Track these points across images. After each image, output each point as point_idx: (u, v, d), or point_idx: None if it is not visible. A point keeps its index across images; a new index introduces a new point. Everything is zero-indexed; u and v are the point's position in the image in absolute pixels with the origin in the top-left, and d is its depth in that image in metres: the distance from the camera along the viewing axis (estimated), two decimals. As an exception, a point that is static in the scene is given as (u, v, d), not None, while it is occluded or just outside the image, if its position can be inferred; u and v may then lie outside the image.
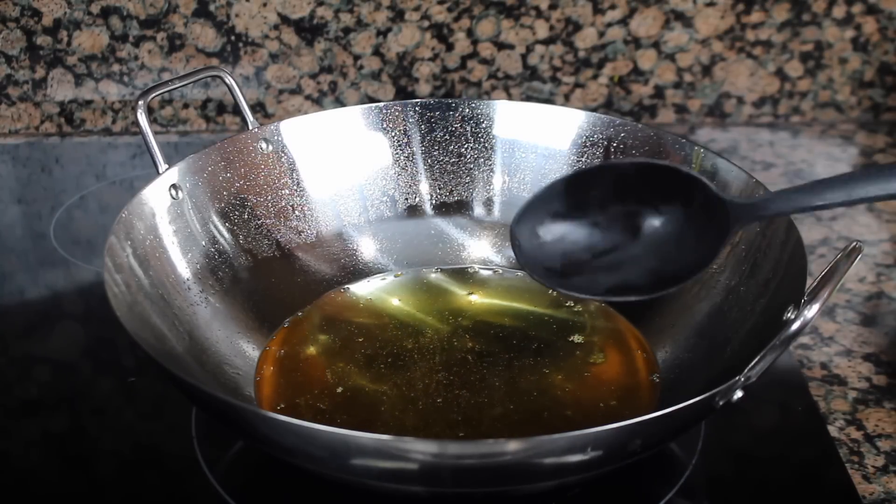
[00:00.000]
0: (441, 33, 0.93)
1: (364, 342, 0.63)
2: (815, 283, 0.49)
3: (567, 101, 0.96)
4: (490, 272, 0.70)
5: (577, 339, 0.63)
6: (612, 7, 0.92)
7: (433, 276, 0.70)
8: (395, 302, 0.67)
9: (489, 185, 0.73)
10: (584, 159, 0.70)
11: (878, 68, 0.96)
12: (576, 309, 0.66)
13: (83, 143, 0.95)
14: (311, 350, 0.62)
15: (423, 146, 0.73)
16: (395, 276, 0.70)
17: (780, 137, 0.95)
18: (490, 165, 0.73)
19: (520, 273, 0.70)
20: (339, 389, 0.58)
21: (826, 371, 0.64)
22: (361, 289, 0.69)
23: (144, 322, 0.54)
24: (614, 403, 0.57)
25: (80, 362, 0.66)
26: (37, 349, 0.67)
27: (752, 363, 0.46)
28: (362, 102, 0.93)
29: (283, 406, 0.57)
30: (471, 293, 0.68)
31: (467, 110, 0.72)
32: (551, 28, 0.93)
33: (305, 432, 0.44)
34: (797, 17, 0.93)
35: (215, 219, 0.65)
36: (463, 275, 0.70)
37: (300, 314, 0.65)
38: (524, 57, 0.94)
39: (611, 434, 0.44)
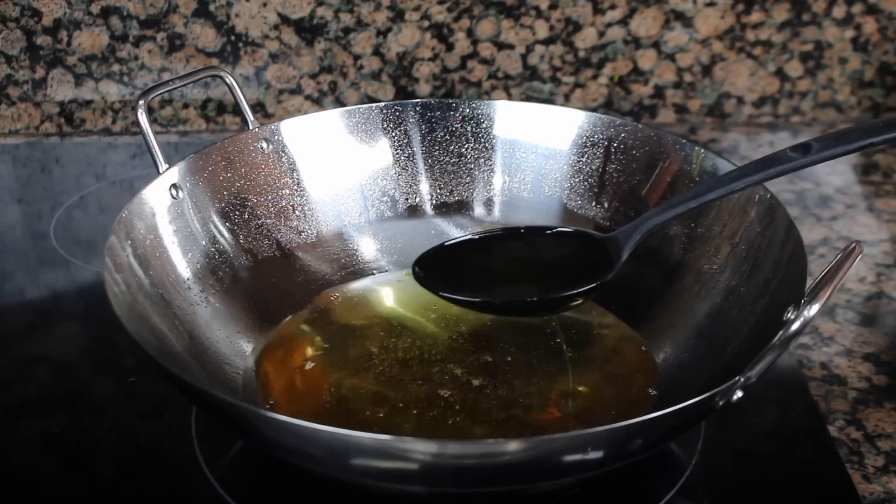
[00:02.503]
0: (441, 33, 0.93)
1: (363, 343, 0.62)
2: (815, 283, 0.49)
3: (567, 101, 0.96)
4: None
5: (575, 340, 0.63)
6: (612, 7, 0.92)
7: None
8: (395, 302, 0.67)
9: (489, 186, 0.73)
10: (584, 159, 0.70)
11: (878, 68, 0.96)
12: (573, 311, 0.66)
13: (83, 143, 0.95)
14: (310, 351, 0.62)
15: (423, 146, 0.73)
16: (395, 283, 0.70)
17: (780, 137, 0.95)
18: (490, 165, 0.73)
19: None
20: (339, 390, 0.58)
21: (826, 371, 0.64)
22: (360, 289, 0.68)
23: (144, 322, 0.54)
24: (614, 404, 0.57)
25: (80, 362, 0.66)
26: (37, 349, 0.67)
27: (752, 363, 0.46)
28: (362, 102, 0.93)
29: (274, 403, 0.57)
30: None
31: (467, 110, 0.72)
32: (551, 28, 0.93)
33: (305, 432, 0.44)
34: (797, 17, 0.93)
35: (215, 219, 0.65)
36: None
37: (299, 314, 0.65)
38: (524, 57, 0.94)
39: (611, 434, 0.44)
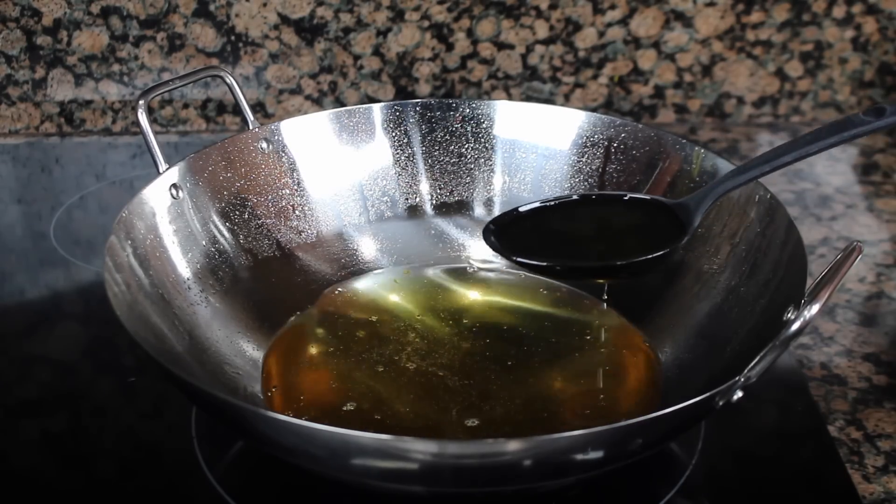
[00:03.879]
0: (441, 33, 0.93)
1: (365, 342, 0.63)
2: (815, 283, 0.49)
3: (567, 101, 0.96)
4: (490, 272, 0.70)
5: (577, 338, 0.63)
6: (612, 7, 0.92)
7: (434, 275, 0.70)
8: (396, 301, 0.67)
9: (489, 185, 0.73)
10: (584, 159, 0.70)
11: (878, 68, 0.96)
12: (576, 309, 0.66)
13: (83, 143, 0.95)
14: (313, 350, 0.62)
15: (423, 146, 0.73)
16: (395, 282, 0.70)
17: (780, 137, 0.95)
18: (490, 165, 0.73)
19: (521, 273, 0.70)
20: (341, 390, 0.58)
21: (826, 371, 0.64)
22: (362, 289, 0.69)
23: (144, 322, 0.54)
24: (614, 403, 0.57)
25: (80, 362, 0.66)
26: (37, 349, 0.67)
27: (752, 363, 0.46)
28: (362, 102, 0.93)
29: (281, 397, 0.57)
30: (471, 293, 0.68)
31: (467, 110, 0.72)
32: (551, 28, 0.93)
33: (305, 432, 0.44)
34: (797, 17, 0.93)
35: (215, 219, 0.65)
36: (463, 274, 0.70)
37: (302, 314, 0.65)
38: (524, 57, 0.94)
39: (611, 434, 0.44)
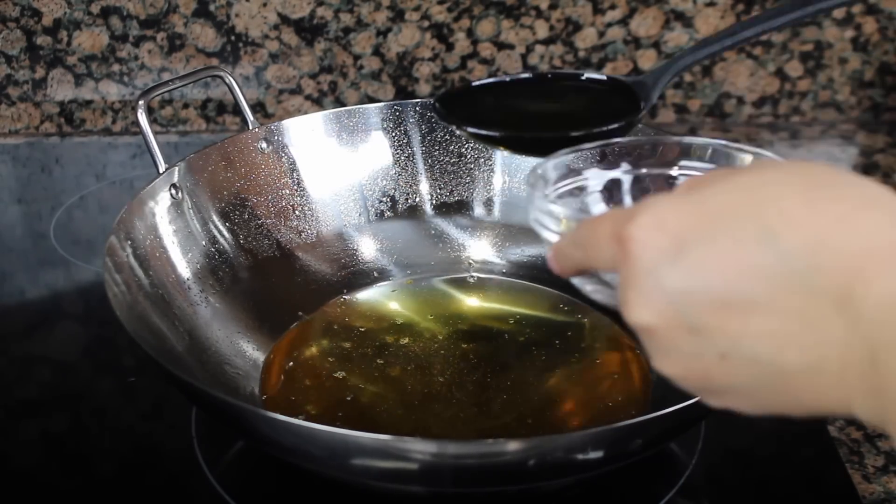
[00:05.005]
0: (441, 33, 0.93)
1: (366, 347, 0.63)
2: None
3: (567, 101, 0.96)
4: (490, 275, 0.70)
5: (575, 341, 0.63)
6: (612, 7, 0.92)
7: (433, 280, 0.70)
8: (395, 306, 0.67)
9: (489, 185, 0.73)
10: (584, 159, 0.70)
11: (878, 68, 0.96)
12: (573, 313, 0.66)
13: (83, 143, 0.95)
14: (313, 353, 0.62)
15: (423, 146, 0.73)
16: (393, 291, 0.70)
17: (780, 137, 0.95)
18: (490, 165, 0.73)
19: (518, 279, 0.70)
20: (342, 392, 0.58)
21: (826, 371, 0.64)
22: (362, 293, 0.68)
23: (144, 322, 0.54)
24: (614, 404, 0.57)
25: (80, 362, 0.66)
26: (37, 349, 0.67)
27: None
28: (362, 102, 0.93)
29: (289, 407, 0.57)
30: (470, 297, 0.68)
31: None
32: (551, 28, 0.93)
33: (305, 432, 0.44)
34: (797, 17, 0.93)
35: (215, 219, 0.65)
36: (462, 281, 0.70)
37: (303, 319, 0.65)
38: (524, 57, 0.94)
39: (611, 434, 0.44)
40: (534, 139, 0.57)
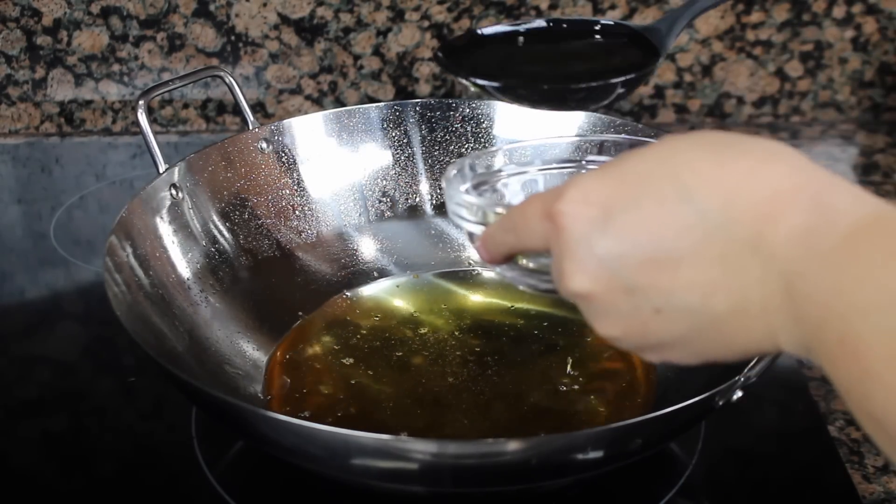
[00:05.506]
0: (441, 33, 0.93)
1: (367, 344, 0.63)
2: None
3: (567, 101, 0.96)
4: (490, 272, 0.70)
5: (577, 337, 0.63)
6: (612, 7, 0.92)
7: (434, 277, 0.70)
8: (397, 303, 0.67)
9: (489, 185, 0.73)
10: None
11: (878, 68, 0.96)
12: (576, 309, 0.66)
13: (83, 143, 0.95)
14: (315, 352, 0.62)
15: (423, 146, 0.73)
16: (397, 286, 0.70)
17: (780, 137, 0.95)
18: (490, 165, 0.72)
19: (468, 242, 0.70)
20: (342, 391, 0.58)
21: (826, 371, 0.64)
22: (364, 291, 0.68)
23: (144, 322, 0.54)
24: (614, 403, 0.57)
25: (80, 362, 0.66)
26: (37, 349, 0.67)
27: (752, 363, 0.46)
28: (362, 102, 0.93)
29: (289, 407, 0.57)
30: (472, 293, 0.68)
31: (467, 110, 0.72)
32: (551, 28, 0.93)
33: (305, 432, 0.44)
34: (797, 17, 0.93)
35: (215, 219, 0.65)
36: (464, 275, 0.70)
37: (304, 318, 0.65)
38: (524, 57, 0.94)
39: (611, 434, 0.44)
40: (542, 90, 0.56)
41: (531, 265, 0.43)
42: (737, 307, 0.33)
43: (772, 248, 0.32)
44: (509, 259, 0.42)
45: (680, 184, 0.34)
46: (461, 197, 0.44)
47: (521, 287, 0.44)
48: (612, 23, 0.59)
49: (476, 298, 0.68)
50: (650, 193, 0.34)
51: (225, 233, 0.65)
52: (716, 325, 0.34)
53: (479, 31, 0.59)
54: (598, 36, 0.59)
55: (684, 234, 0.33)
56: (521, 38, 0.59)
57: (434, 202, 0.73)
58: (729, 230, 0.33)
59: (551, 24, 0.60)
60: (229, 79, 0.67)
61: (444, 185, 0.46)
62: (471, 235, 0.45)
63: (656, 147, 0.36)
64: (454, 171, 0.47)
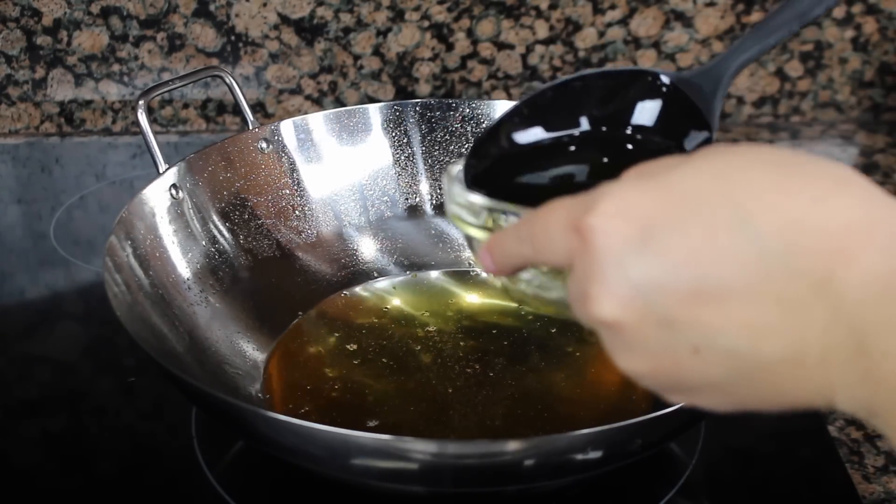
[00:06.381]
0: (441, 33, 0.93)
1: (366, 343, 0.63)
2: None
3: (567, 101, 0.96)
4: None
5: (576, 337, 0.63)
6: (612, 7, 0.92)
7: (434, 276, 0.70)
8: (396, 303, 0.67)
9: (489, 185, 0.73)
10: (584, 159, 0.70)
11: (878, 68, 0.96)
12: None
13: (83, 143, 0.95)
14: (314, 351, 0.62)
15: (423, 146, 0.73)
16: (394, 288, 0.70)
17: (780, 137, 0.95)
18: (490, 165, 0.72)
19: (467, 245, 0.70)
20: (342, 391, 0.58)
21: (826, 371, 0.64)
22: (363, 291, 0.69)
23: (144, 322, 0.54)
24: (614, 403, 0.57)
25: (80, 362, 0.66)
26: (37, 349, 0.67)
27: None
28: (362, 102, 0.93)
29: (290, 406, 0.57)
30: (471, 294, 0.68)
31: (467, 110, 0.72)
32: (551, 28, 0.93)
33: (305, 432, 0.44)
34: (797, 17, 0.93)
35: (215, 219, 0.65)
36: (463, 275, 0.70)
37: (303, 317, 0.65)
38: (524, 57, 0.94)
39: (611, 434, 0.44)
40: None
41: (539, 278, 0.38)
42: (791, 355, 0.29)
43: (842, 292, 0.28)
44: (518, 271, 0.37)
45: (736, 207, 0.29)
46: (464, 196, 0.40)
47: (519, 300, 0.39)
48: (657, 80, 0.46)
49: (475, 299, 0.68)
50: (700, 214, 0.30)
51: (225, 233, 0.65)
52: (762, 372, 0.30)
53: (513, 141, 0.46)
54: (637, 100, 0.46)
55: (737, 265, 0.29)
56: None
57: (434, 202, 0.73)
58: (791, 265, 0.28)
59: (592, 122, 0.46)
60: (229, 79, 0.67)
61: (444, 182, 0.42)
62: (471, 240, 0.40)
63: (708, 159, 0.31)
64: (458, 168, 0.43)
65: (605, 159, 0.45)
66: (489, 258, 0.38)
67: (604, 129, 0.45)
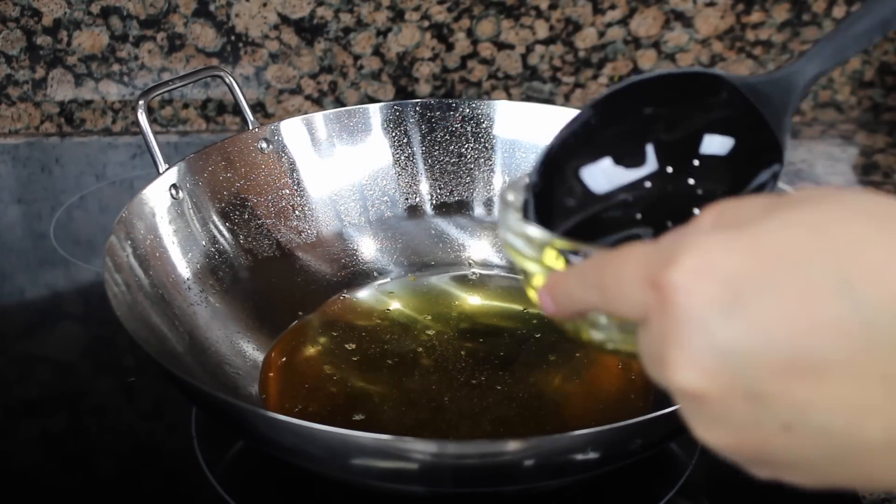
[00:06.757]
0: (441, 33, 0.93)
1: (366, 345, 0.63)
2: None
3: (567, 101, 0.96)
4: (490, 273, 0.70)
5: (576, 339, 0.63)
6: (612, 7, 0.92)
7: (434, 277, 0.70)
8: (395, 305, 0.67)
9: (489, 185, 0.73)
10: (584, 159, 0.70)
11: (878, 68, 0.96)
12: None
13: (83, 143, 0.95)
14: (313, 352, 0.62)
15: (423, 146, 0.73)
16: (396, 286, 0.70)
17: (780, 137, 0.95)
18: (490, 165, 0.73)
19: (518, 275, 0.70)
20: (342, 392, 0.58)
21: (826, 371, 0.64)
22: (363, 292, 0.69)
23: (144, 322, 0.54)
24: (614, 403, 0.57)
25: (80, 362, 0.66)
26: (37, 349, 0.67)
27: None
28: (362, 102, 0.93)
29: (290, 406, 0.57)
30: (470, 295, 0.68)
31: (467, 110, 0.72)
32: (551, 28, 0.93)
33: (305, 432, 0.44)
34: (797, 17, 0.93)
35: (215, 219, 0.65)
36: (462, 277, 0.70)
37: (302, 318, 0.65)
38: (524, 57, 0.94)
39: (611, 434, 0.44)
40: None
41: (603, 320, 0.34)
42: (894, 439, 0.26)
43: None
44: (580, 316, 0.34)
45: (838, 269, 0.26)
46: (521, 227, 0.36)
47: (574, 335, 0.36)
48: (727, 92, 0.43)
49: (475, 300, 0.68)
50: (796, 276, 0.26)
51: (225, 233, 0.65)
52: (860, 454, 0.27)
53: (576, 174, 0.43)
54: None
55: (838, 335, 0.26)
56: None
57: (434, 202, 0.73)
58: None
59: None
60: (229, 79, 0.67)
61: (499, 207, 0.39)
62: (526, 274, 0.37)
63: (803, 209, 0.28)
64: (511, 195, 0.38)
65: (671, 187, 0.42)
66: (549, 300, 0.34)
67: (670, 161, 0.42)
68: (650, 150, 0.41)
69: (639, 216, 0.41)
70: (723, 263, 0.27)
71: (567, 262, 0.35)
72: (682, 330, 0.28)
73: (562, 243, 0.35)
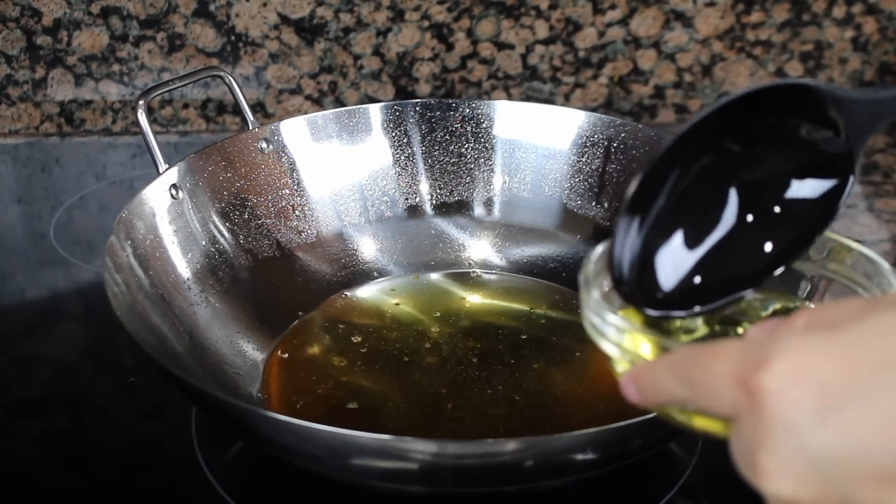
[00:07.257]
0: (441, 33, 0.93)
1: (366, 345, 0.63)
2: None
3: (567, 101, 0.96)
4: (490, 273, 0.70)
5: (576, 338, 0.63)
6: (612, 7, 0.92)
7: (434, 277, 0.70)
8: (396, 304, 0.67)
9: (489, 185, 0.73)
10: (584, 159, 0.70)
11: (878, 68, 0.96)
12: (574, 310, 0.66)
13: (83, 143, 0.95)
14: (313, 352, 0.62)
15: (423, 146, 0.73)
16: (393, 290, 0.70)
17: (780, 137, 0.95)
18: (490, 165, 0.73)
19: (518, 277, 0.70)
20: (342, 391, 0.58)
21: (826, 371, 0.64)
22: (363, 292, 0.68)
23: (144, 322, 0.54)
24: (614, 403, 0.57)
25: (80, 362, 0.66)
26: (37, 349, 0.67)
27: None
28: (362, 102, 0.93)
29: (290, 406, 0.57)
30: (471, 294, 0.68)
31: (467, 110, 0.72)
32: (551, 28, 0.93)
33: (305, 432, 0.44)
34: (797, 17, 0.93)
35: (215, 219, 0.65)
36: (463, 276, 0.70)
37: (303, 317, 0.65)
38: (524, 57, 0.94)
39: (611, 434, 0.44)
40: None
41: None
42: None
43: None
44: (668, 406, 0.34)
45: None
46: (608, 315, 0.35)
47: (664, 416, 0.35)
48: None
49: (476, 299, 0.68)
50: (890, 383, 0.26)
51: (225, 233, 0.65)
52: None
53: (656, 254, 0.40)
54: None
55: None
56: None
57: (434, 202, 0.73)
58: None
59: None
60: (229, 79, 0.67)
61: (581, 283, 0.36)
62: (612, 359, 0.36)
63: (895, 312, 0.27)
64: (592, 268, 0.36)
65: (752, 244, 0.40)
66: (634, 389, 0.34)
67: (754, 212, 0.40)
68: (735, 204, 0.39)
69: (732, 277, 0.40)
70: (816, 368, 0.27)
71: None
72: (774, 435, 0.28)
73: (649, 336, 0.34)
